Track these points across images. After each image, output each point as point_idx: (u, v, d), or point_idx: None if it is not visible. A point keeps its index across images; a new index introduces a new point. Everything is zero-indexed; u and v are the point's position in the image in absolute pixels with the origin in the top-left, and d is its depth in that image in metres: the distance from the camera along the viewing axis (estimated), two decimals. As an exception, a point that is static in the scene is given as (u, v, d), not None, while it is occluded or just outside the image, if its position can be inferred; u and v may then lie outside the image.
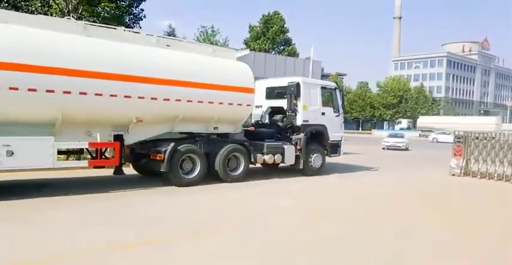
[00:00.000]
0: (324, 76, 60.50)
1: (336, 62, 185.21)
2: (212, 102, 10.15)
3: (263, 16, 52.46)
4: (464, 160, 13.47)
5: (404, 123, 65.71)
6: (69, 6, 16.13)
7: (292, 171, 12.61)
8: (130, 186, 9.45)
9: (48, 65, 7.69)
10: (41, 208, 7.07)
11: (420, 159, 21.72)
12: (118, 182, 9.83)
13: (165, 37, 11.15)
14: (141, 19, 20.33)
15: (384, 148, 28.04)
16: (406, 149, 27.99)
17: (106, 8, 17.58)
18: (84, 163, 8.67)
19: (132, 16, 20.18)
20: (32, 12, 13.97)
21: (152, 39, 9.80)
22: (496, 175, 12.69)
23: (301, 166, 12.17)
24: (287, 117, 12.34)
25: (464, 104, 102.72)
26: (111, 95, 8.44)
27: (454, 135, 14.13)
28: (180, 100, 9.52)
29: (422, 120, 61.69)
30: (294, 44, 52.44)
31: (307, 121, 12.28)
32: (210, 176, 10.34)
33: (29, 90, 7.51)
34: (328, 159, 13.33)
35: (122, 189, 9.05)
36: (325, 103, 12.90)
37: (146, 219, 6.59)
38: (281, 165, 12.44)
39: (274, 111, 13.09)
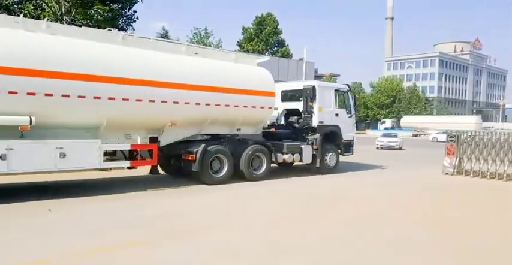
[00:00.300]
0: (318, 77, 60.94)
1: (330, 62, 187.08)
2: (237, 106, 10.85)
3: (256, 17, 52.72)
4: (457, 159, 13.59)
5: (388, 122, 66.68)
6: (62, 9, 16.40)
7: (308, 169, 13.29)
8: (159, 186, 10.05)
9: (95, 73, 8.33)
10: (64, 207, 7.52)
11: (414, 158, 22.02)
12: (149, 182, 10.50)
13: (193, 45, 11.81)
14: (134, 21, 20.47)
15: (377, 148, 28.48)
16: (400, 149, 28.39)
17: (99, 10, 17.68)
18: (126, 163, 9.28)
19: (125, 18, 20.25)
20: (24, 16, 13.93)
21: (182, 47, 10.50)
22: (488, 174, 12.83)
23: (317, 165, 12.86)
24: (303, 118, 13.00)
25: (457, 104, 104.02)
26: (149, 101, 9.12)
27: (447, 134, 14.36)
28: (209, 104, 10.23)
29: (406, 120, 62.90)
30: (288, 45, 53.06)
31: (323, 122, 12.99)
32: (236, 175, 11.00)
33: (79, 97, 8.16)
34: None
35: (145, 189, 9.57)
36: (338, 105, 13.61)
37: (163, 218, 6.99)
38: (295, 164, 13.10)
39: (289, 112, 13.80)
